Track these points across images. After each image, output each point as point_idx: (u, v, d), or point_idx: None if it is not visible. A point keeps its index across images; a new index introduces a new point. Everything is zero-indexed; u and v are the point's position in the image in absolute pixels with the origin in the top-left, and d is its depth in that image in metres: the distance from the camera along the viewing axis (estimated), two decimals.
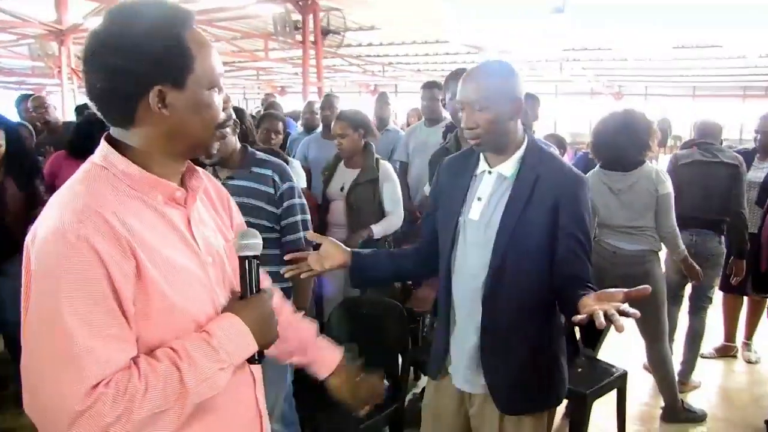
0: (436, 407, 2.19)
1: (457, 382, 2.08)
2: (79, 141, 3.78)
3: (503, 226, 1.91)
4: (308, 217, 2.82)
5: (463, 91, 1.92)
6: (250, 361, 1.28)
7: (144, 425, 1.06)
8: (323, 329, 2.30)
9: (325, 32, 8.74)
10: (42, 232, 1.08)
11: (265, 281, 1.43)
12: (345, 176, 3.74)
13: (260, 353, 1.29)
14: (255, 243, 1.32)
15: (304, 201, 2.80)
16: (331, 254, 1.94)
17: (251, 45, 12.80)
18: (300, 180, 3.68)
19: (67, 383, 1.02)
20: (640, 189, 3.45)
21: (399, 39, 12.50)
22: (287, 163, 2.98)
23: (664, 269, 3.69)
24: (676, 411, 3.76)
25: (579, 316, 1.45)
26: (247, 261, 1.30)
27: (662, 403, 3.83)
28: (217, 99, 1.24)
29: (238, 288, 1.32)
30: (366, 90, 22.07)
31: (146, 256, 1.12)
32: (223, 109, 1.27)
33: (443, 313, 2.09)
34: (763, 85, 16.36)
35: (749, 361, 4.70)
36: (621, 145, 3.47)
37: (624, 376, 3.39)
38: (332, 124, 3.86)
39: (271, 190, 2.70)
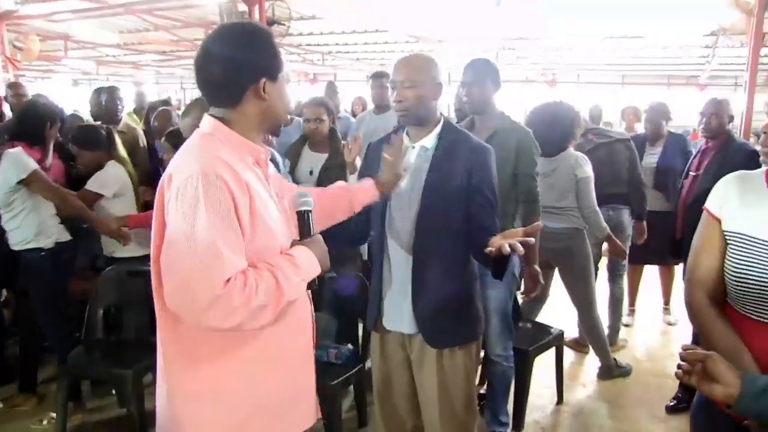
0: (382, 352, 2.55)
1: (395, 326, 2.46)
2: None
3: (427, 190, 2.31)
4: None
5: (396, 73, 2.33)
6: (309, 285, 1.70)
7: (255, 313, 1.48)
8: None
9: (271, 22, 8.83)
10: (183, 174, 1.47)
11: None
12: (312, 160, 3.91)
13: (320, 278, 1.73)
14: (308, 200, 1.75)
15: None
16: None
17: (191, 34, 12.71)
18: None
19: (208, 276, 1.42)
20: (561, 173, 3.86)
21: (339, 28, 12.61)
22: None
23: None
24: (610, 368, 4.18)
25: (489, 248, 1.83)
26: (304, 213, 1.75)
27: (594, 364, 4.28)
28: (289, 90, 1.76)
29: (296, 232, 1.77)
30: (305, 79, 22.06)
31: (254, 195, 1.53)
32: None
33: (378, 269, 2.47)
34: (685, 74, 17.12)
35: (669, 324, 5.22)
36: (550, 133, 3.84)
37: (560, 335, 3.80)
38: (306, 109, 4.00)
39: None
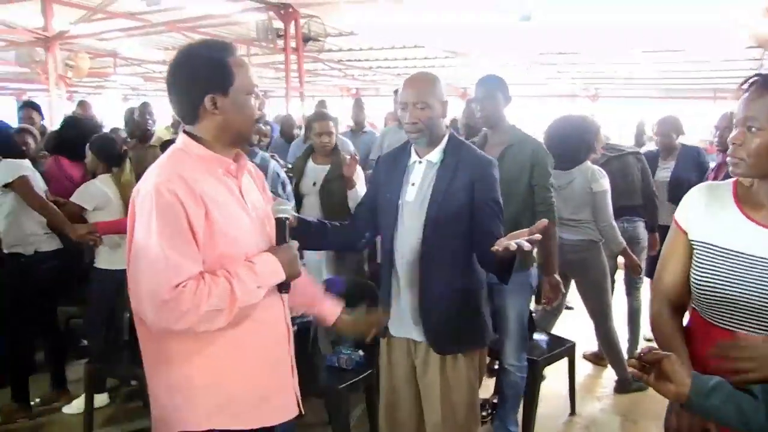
0: (389, 359, 2.63)
1: (401, 333, 2.54)
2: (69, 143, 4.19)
3: (433, 203, 2.39)
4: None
5: (407, 94, 2.41)
6: (280, 290, 1.84)
7: (206, 318, 1.60)
8: None
9: (306, 39, 9.06)
10: (144, 188, 1.64)
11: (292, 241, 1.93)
12: (316, 172, 4.03)
13: (287, 285, 1.84)
14: (286, 208, 1.88)
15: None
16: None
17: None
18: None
19: (157, 281, 1.57)
20: (577, 186, 3.87)
21: (378, 44, 12.79)
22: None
23: None
24: (625, 382, 4.16)
25: (495, 247, 1.88)
26: (280, 221, 1.86)
27: (611, 377, 4.26)
28: (254, 102, 1.81)
29: (273, 239, 1.88)
30: (347, 93, 22.33)
31: (212, 206, 1.66)
32: (258, 109, 1.84)
33: (386, 279, 2.55)
34: (731, 87, 16.80)
35: None
36: (567, 146, 3.87)
37: (572, 347, 3.80)
38: (316, 124, 4.09)
39: None
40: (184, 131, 1.81)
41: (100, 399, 3.90)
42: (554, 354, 3.69)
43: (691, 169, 4.65)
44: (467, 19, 8.68)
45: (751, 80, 1.60)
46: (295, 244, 1.89)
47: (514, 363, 3.35)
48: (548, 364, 3.68)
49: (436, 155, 2.44)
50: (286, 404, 1.94)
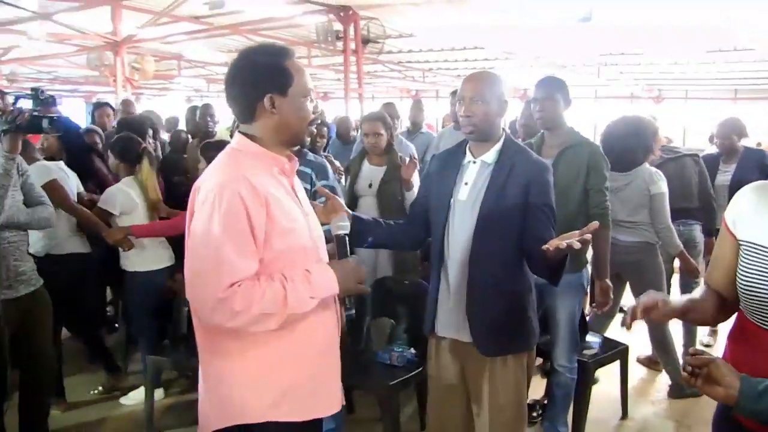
0: (438, 359, 2.64)
1: (449, 334, 2.55)
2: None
3: (485, 203, 2.40)
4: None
5: (464, 89, 2.43)
6: (342, 303, 1.99)
7: (258, 319, 1.69)
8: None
9: (365, 41, 9.16)
10: (206, 186, 1.72)
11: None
12: (372, 173, 4.04)
13: (350, 301, 1.99)
14: (346, 225, 2.01)
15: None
16: (336, 210, 2.30)
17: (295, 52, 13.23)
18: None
19: (213, 280, 1.65)
20: (635, 188, 3.85)
21: (437, 45, 12.80)
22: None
23: None
24: (680, 386, 4.10)
25: (546, 246, 1.94)
26: (341, 237, 1.98)
27: (666, 381, 4.20)
28: (309, 105, 1.90)
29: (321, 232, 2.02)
30: (407, 95, 22.39)
31: (273, 204, 1.73)
32: (312, 113, 1.93)
33: (435, 277, 2.57)
34: None
35: None
36: (625, 147, 3.84)
37: (625, 349, 3.77)
38: (365, 124, 4.14)
39: (308, 186, 3.16)
40: (240, 131, 1.90)
41: (158, 393, 4.04)
42: (606, 356, 3.67)
43: (754, 172, 4.51)
44: (527, 20, 8.63)
45: None
46: (354, 258, 1.97)
47: (565, 364, 3.35)
48: (600, 366, 3.66)
49: (491, 156, 2.45)
50: (336, 396, 2.02)
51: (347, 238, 1.96)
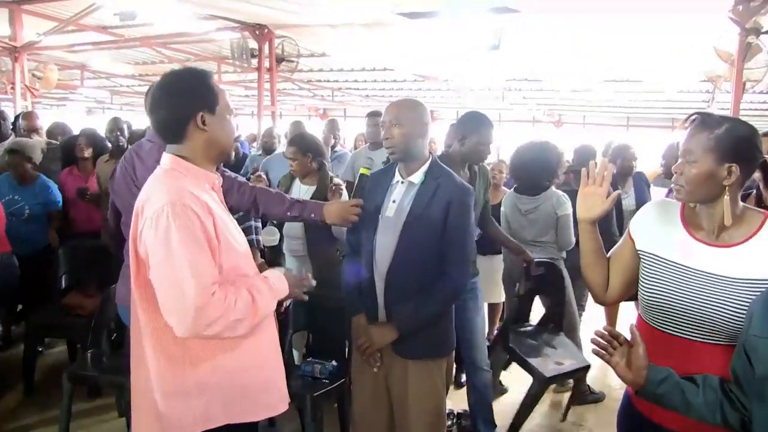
0: (361, 365, 2.78)
1: None
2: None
3: (408, 219, 2.59)
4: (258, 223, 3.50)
5: (385, 114, 2.65)
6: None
7: (232, 326, 1.77)
8: None
9: (280, 59, 9.22)
10: (154, 206, 1.76)
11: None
12: (301, 192, 4.03)
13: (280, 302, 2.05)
14: (275, 238, 2.06)
15: None
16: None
17: (204, 67, 13.08)
18: None
19: (189, 289, 1.71)
20: (543, 211, 4.12)
21: (348, 66, 12.99)
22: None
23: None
24: (582, 395, 4.37)
25: None
26: (269, 249, 2.01)
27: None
28: (234, 121, 2.04)
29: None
30: (315, 113, 22.49)
31: (216, 218, 1.82)
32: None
33: (370, 289, 2.70)
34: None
35: None
36: (533, 172, 4.11)
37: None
38: (287, 148, 4.15)
39: None
40: (168, 152, 1.97)
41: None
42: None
43: (647, 192, 4.94)
44: (438, 46, 8.92)
45: (692, 118, 1.84)
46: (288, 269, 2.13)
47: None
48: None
49: (417, 177, 2.64)
50: (284, 394, 2.15)
51: (275, 249, 2.07)
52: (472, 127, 3.43)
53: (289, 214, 2.78)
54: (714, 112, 2.03)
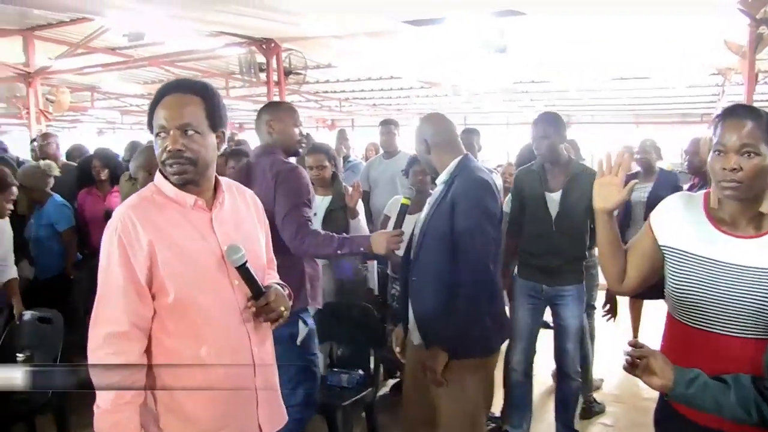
0: (408, 364, 2.87)
1: (415, 339, 2.75)
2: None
3: (425, 219, 2.66)
4: None
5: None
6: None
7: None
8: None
9: (288, 72, 9.25)
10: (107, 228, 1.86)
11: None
12: (318, 203, 4.05)
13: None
14: (241, 255, 1.87)
15: None
16: None
17: (213, 84, 13.14)
18: None
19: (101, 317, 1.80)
20: None
21: (355, 75, 13.02)
22: None
23: None
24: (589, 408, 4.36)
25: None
26: (242, 268, 1.86)
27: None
28: (160, 141, 1.92)
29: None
30: (323, 125, 22.54)
31: (161, 243, 1.82)
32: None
33: (403, 289, 2.80)
34: (698, 112, 17.27)
35: None
36: None
37: None
38: (309, 157, 4.16)
39: None
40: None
41: None
42: None
43: (668, 192, 4.82)
44: (444, 51, 8.92)
45: (729, 109, 1.79)
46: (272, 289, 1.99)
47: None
48: None
49: (443, 177, 2.71)
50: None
51: (249, 268, 1.88)
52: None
53: (339, 252, 2.83)
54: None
